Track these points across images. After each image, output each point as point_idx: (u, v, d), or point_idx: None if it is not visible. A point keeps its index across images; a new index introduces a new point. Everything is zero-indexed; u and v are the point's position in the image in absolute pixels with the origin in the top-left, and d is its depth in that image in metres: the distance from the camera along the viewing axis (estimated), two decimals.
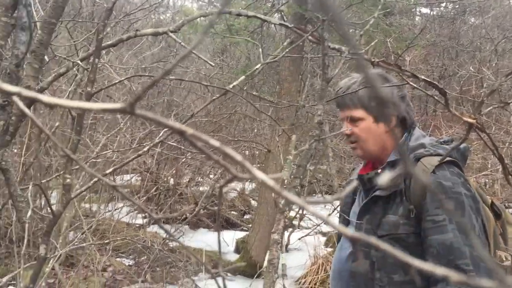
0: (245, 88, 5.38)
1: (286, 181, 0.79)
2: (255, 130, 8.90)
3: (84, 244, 2.09)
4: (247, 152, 9.26)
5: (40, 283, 2.92)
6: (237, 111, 7.52)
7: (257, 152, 8.93)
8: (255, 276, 4.75)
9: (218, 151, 0.28)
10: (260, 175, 0.28)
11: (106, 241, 2.59)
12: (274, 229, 0.63)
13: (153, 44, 7.88)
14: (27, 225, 0.95)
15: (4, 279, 2.21)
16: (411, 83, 1.05)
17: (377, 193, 1.59)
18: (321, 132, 0.87)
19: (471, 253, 1.40)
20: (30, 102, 1.13)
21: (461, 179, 1.50)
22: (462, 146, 1.61)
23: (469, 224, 1.43)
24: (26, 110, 0.41)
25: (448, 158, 1.53)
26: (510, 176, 1.06)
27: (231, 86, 1.15)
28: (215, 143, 0.28)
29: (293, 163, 0.98)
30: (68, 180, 0.70)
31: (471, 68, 8.23)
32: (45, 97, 0.29)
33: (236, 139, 6.18)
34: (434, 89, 1.22)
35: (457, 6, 10.29)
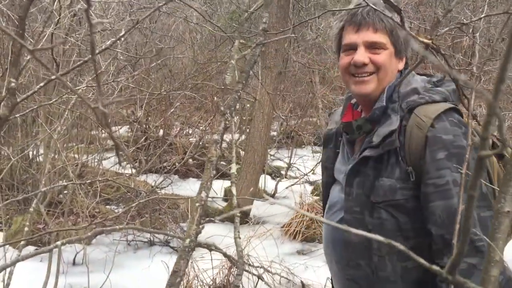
0: (232, 34, 5.31)
1: (229, 85, 0.80)
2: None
3: (66, 183, 2.12)
4: (237, 105, 9.24)
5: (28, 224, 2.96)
6: (227, 62, 7.43)
7: (248, 105, 8.91)
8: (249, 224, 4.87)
9: None
10: None
11: (88, 181, 2.62)
12: (215, 130, 0.65)
13: None
14: None
15: None
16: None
17: (367, 153, 1.37)
18: (265, 39, 0.87)
19: (479, 216, 1.25)
20: None
21: (462, 129, 1.30)
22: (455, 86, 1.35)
23: None
24: None
25: (447, 105, 1.32)
26: (464, 98, 1.08)
27: None
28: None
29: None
30: (12, 84, 0.70)
31: (463, 19, 8.14)
32: None
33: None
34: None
35: None
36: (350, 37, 1.40)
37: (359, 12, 1.37)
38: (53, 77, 0.76)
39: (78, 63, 0.77)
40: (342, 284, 1.48)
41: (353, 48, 1.39)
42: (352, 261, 1.41)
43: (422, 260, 0.31)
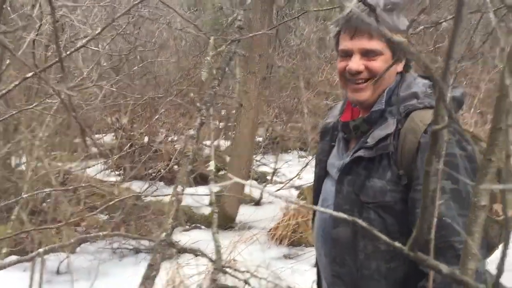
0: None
1: (205, 82, 0.81)
2: (230, 88, 8.86)
3: (49, 190, 2.10)
4: (223, 112, 9.22)
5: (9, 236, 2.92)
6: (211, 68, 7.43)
7: (234, 111, 8.91)
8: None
9: None
10: None
11: (71, 187, 2.59)
12: (191, 126, 0.66)
13: None
14: None
15: None
16: None
17: (360, 153, 1.38)
18: (240, 36, 0.88)
19: (465, 224, 1.20)
20: None
21: (456, 137, 1.29)
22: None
23: (464, 192, 1.26)
24: None
25: None
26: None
27: None
28: None
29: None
30: None
31: (444, 23, 8.24)
32: None
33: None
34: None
35: None
36: (345, 44, 1.39)
37: (353, 17, 1.33)
38: (29, 74, 0.76)
39: (53, 61, 0.77)
40: (328, 280, 1.50)
41: (348, 54, 1.39)
42: (338, 257, 1.43)
43: (385, 237, 0.32)
